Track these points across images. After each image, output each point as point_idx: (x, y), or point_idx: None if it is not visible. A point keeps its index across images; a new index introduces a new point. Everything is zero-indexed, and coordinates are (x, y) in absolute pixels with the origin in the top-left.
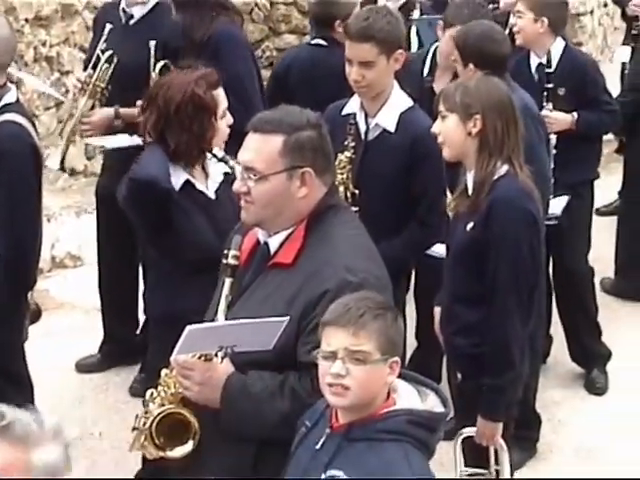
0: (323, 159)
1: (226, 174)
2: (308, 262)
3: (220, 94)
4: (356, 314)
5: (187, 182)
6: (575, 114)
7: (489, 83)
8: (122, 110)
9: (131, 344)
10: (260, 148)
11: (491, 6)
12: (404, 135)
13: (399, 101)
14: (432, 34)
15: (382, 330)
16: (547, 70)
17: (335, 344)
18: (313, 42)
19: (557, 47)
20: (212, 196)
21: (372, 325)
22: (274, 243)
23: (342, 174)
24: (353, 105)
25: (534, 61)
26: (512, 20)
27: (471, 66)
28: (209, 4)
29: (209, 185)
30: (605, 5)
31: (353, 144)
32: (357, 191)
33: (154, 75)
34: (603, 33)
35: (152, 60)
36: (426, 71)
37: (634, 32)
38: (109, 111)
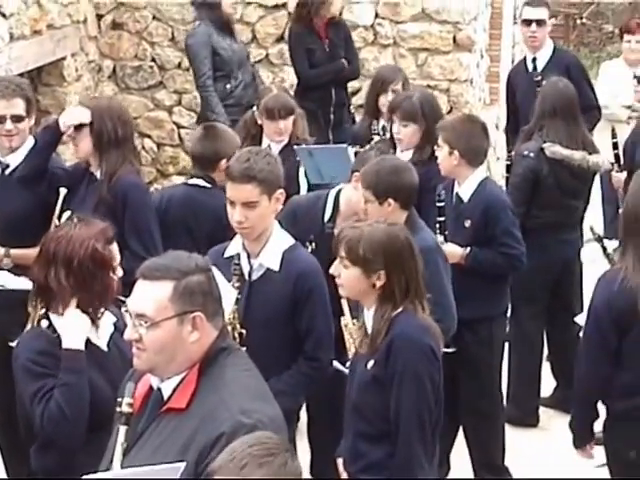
0: (213, 302)
1: (114, 324)
2: (202, 406)
3: (115, 248)
4: (239, 465)
5: None
6: (468, 249)
7: (391, 234)
8: (12, 251)
9: None
10: (150, 295)
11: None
12: (288, 273)
13: (281, 240)
14: (313, 164)
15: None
16: (439, 204)
17: None
18: (191, 182)
19: (474, 179)
20: (105, 348)
21: (256, 474)
22: (167, 388)
23: (229, 315)
24: (235, 247)
25: (456, 189)
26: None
27: (390, 201)
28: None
29: (100, 336)
30: None
31: (238, 284)
32: (244, 331)
33: (58, 223)
34: None
35: (58, 207)
36: (327, 216)
37: (507, 163)
38: None
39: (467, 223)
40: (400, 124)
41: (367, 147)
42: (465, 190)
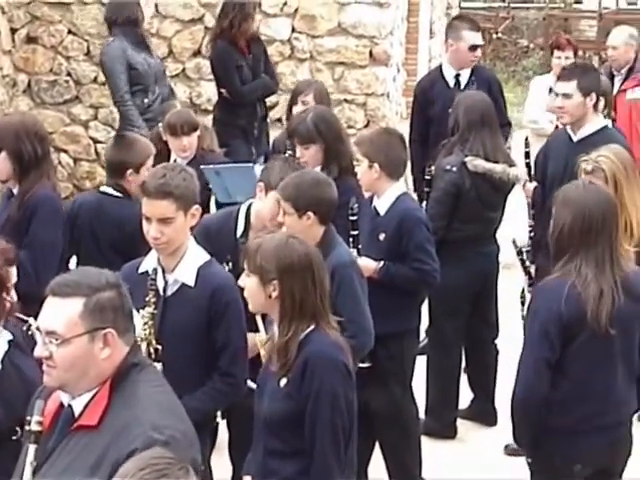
0: (124, 319)
1: (10, 342)
2: (114, 422)
3: (13, 270)
4: None
5: None
6: (381, 263)
7: (287, 245)
8: None
9: None
10: (60, 312)
11: None
12: (204, 288)
13: (196, 256)
14: (221, 183)
15: None
16: (351, 218)
17: None
18: (102, 189)
19: (392, 193)
20: None
21: None
22: (78, 405)
23: (144, 330)
24: (150, 262)
25: (374, 203)
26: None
27: (310, 214)
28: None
29: None
30: None
31: (154, 300)
32: (160, 347)
33: None
34: None
35: None
36: (240, 232)
37: (427, 177)
38: None
39: (381, 236)
40: (301, 148)
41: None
42: (382, 203)
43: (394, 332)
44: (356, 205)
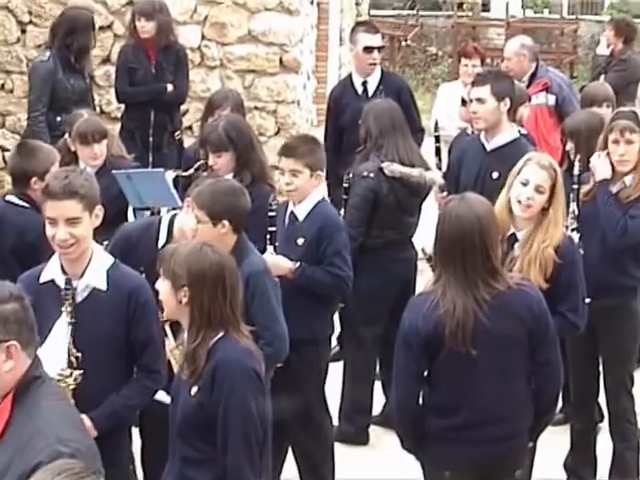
0: (27, 331)
1: None
2: (16, 436)
3: None
4: None
5: None
6: (297, 264)
7: (200, 253)
8: None
9: None
10: None
11: None
12: (118, 290)
13: (102, 258)
14: (132, 188)
15: None
16: (270, 214)
17: None
18: (7, 198)
19: (312, 199)
20: None
21: None
22: None
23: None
24: (52, 271)
25: (290, 208)
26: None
27: (225, 222)
28: None
29: None
30: None
31: (70, 309)
32: (80, 354)
33: None
34: None
35: None
36: (161, 243)
37: (345, 185)
38: None
39: (300, 241)
40: (213, 156)
41: (191, 171)
42: (301, 209)
43: (308, 339)
44: (275, 202)
